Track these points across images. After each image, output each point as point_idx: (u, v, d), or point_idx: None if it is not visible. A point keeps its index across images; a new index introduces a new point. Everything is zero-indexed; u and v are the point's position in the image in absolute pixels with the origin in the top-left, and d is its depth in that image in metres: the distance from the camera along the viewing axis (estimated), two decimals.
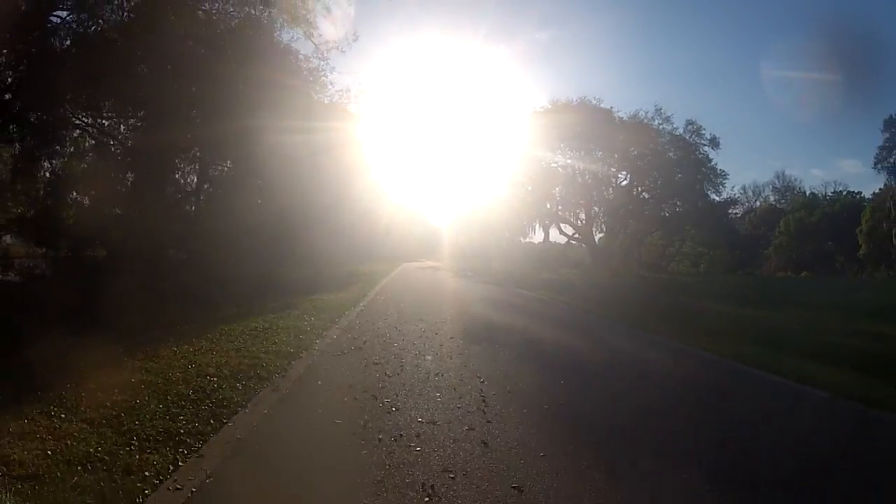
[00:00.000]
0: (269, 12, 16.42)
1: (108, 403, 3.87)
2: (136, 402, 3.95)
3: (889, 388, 4.97)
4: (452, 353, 6.47)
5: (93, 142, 16.48)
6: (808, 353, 6.81)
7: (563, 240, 42.71)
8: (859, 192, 51.02)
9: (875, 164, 38.67)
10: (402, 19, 75.26)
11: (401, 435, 3.50)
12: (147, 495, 2.60)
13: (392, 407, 4.16)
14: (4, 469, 2.78)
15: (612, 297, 16.19)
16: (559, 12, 66.77)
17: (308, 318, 9.04)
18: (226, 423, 3.69)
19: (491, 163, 39.14)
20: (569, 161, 36.04)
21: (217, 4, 15.72)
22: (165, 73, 13.91)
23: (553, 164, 36.92)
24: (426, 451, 3.24)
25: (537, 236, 45.97)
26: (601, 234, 39.15)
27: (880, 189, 41.51)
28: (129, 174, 16.36)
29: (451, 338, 7.67)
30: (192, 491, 2.66)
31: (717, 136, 36.28)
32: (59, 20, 14.37)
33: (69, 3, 14.33)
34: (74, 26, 14.14)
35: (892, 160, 37.10)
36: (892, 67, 75.89)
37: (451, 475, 2.88)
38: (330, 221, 21.19)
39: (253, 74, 15.34)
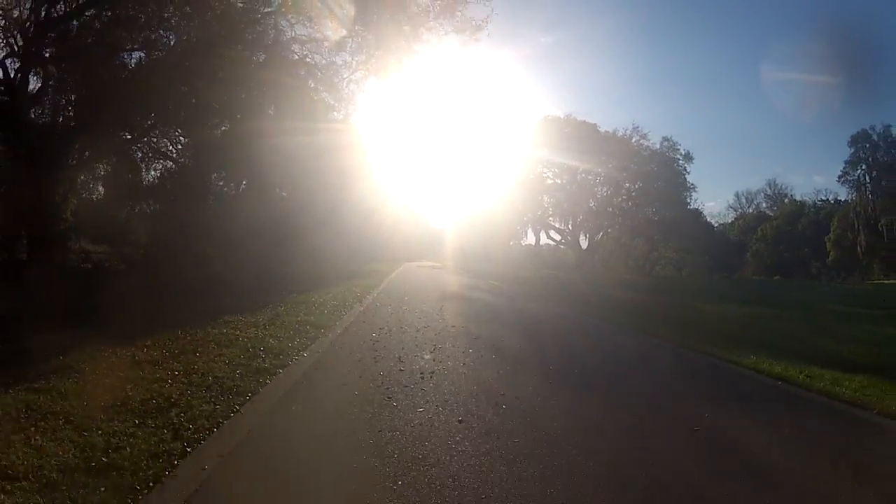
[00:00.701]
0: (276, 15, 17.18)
1: (243, 338, 7.33)
2: (262, 335, 7.36)
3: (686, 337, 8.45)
4: (434, 307, 10.03)
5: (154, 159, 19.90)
6: (679, 323, 10.32)
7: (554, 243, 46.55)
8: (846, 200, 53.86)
9: (839, 178, 42.00)
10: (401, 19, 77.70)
11: (414, 342, 7.01)
12: (275, 375, 5.41)
13: (405, 329, 7.69)
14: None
15: (560, 289, 19.84)
16: (563, 16, 67.74)
17: (346, 294, 12.67)
18: (322, 335, 7.21)
19: (491, 166, 42.58)
20: (556, 171, 39.65)
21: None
22: (198, 90, 15.62)
23: (543, 174, 40.63)
24: (426, 336, 6.74)
25: (532, 239, 49.82)
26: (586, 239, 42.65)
27: (847, 200, 44.79)
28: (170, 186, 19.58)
29: (439, 298, 11.29)
30: (318, 354, 6.13)
31: (691, 151, 39.96)
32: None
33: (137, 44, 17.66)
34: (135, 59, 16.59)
35: (857, 175, 40.40)
36: (893, 68, 76.19)
37: (434, 349, 6.39)
38: (335, 222, 23.21)
39: (266, 77, 16.81)
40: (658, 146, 39.07)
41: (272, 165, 18.51)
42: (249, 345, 6.10)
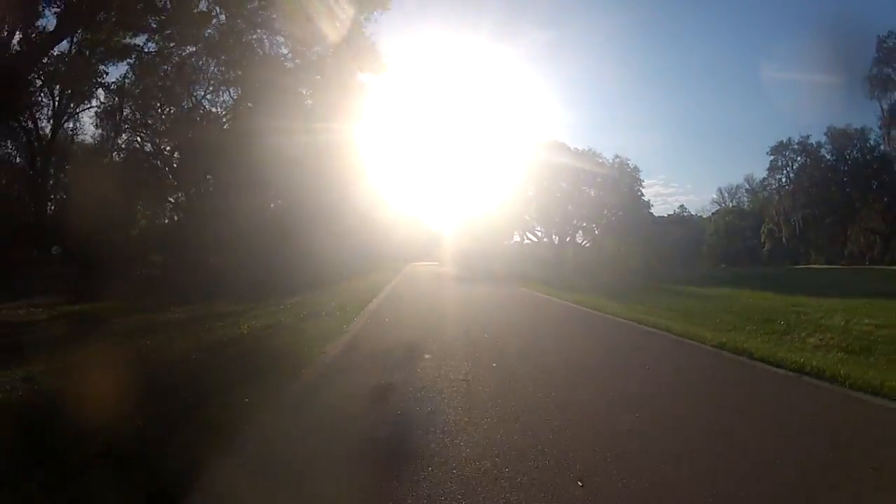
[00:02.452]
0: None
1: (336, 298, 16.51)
2: (350, 295, 16.54)
3: (607, 300, 17.53)
4: (432, 287, 19.17)
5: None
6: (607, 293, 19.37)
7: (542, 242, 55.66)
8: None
9: (763, 181, 50.56)
10: (399, 20, 75.45)
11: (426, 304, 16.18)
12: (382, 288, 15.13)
13: (420, 297, 16.86)
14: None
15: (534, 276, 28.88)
16: (561, 13, 69.91)
17: (376, 280, 21.75)
18: (376, 295, 16.40)
19: (487, 169, 51.05)
20: (534, 191, 49.11)
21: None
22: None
23: (525, 187, 49.96)
24: (430, 303, 15.90)
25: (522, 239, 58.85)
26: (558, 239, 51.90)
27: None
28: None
29: (436, 277, 20.38)
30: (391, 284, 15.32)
31: (640, 167, 49.30)
32: None
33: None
34: None
35: (778, 179, 49.06)
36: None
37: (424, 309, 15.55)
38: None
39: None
40: (611, 161, 48.38)
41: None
42: (352, 290, 15.36)
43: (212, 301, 12.83)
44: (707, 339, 7.05)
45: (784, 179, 46.93)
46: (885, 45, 37.06)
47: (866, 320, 8.51)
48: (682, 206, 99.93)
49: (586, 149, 49.61)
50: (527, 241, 55.60)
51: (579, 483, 2.77)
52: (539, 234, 52.08)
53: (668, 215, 73.44)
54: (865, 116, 57.78)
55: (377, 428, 3.72)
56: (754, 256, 61.61)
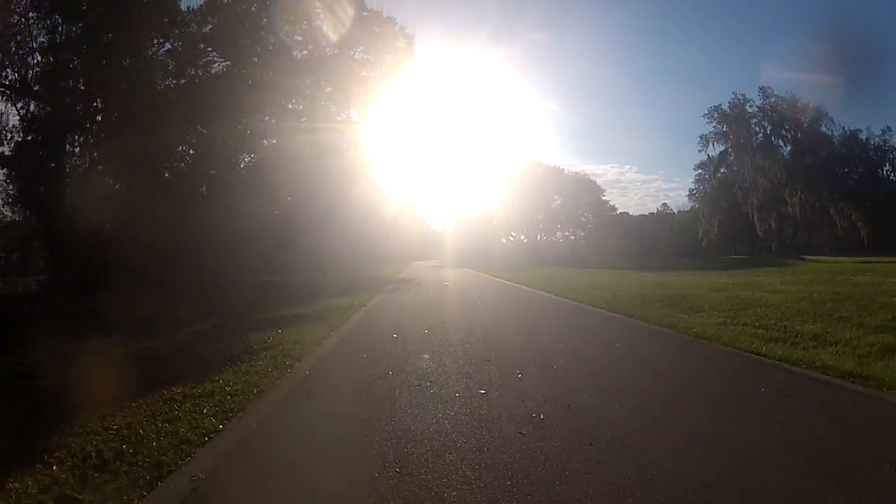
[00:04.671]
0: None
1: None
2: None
3: (503, 273, 28.87)
4: (434, 276, 30.48)
5: None
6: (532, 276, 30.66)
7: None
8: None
9: (689, 192, 61.39)
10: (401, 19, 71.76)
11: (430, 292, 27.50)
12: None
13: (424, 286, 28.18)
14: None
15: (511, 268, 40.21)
16: (558, 14, 74.31)
17: (392, 272, 33.03)
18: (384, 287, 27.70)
19: (484, 168, 61.33)
20: (513, 194, 60.52)
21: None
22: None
23: (508, 197, 61.47)
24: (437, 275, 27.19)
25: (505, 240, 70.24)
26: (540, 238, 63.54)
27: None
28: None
29: (436, 267, 31.69)
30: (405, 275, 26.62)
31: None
32: None
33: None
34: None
35: (701, 188, 59.72)
36: (894, 69, 75.59)
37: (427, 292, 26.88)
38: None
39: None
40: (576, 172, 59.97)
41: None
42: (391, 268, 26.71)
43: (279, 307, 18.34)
44: (531, 287, 18.23)
45: (704, 190, 57.83)
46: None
47: (643, 282, 19.69)
48: (664, 203, 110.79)
49: (553, 165, 61.23)
50: (510, 240, 67.10)
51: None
52: (514, 235, 63.74)
53: (650, 214, 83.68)
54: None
55: (412, 301, 14.91)
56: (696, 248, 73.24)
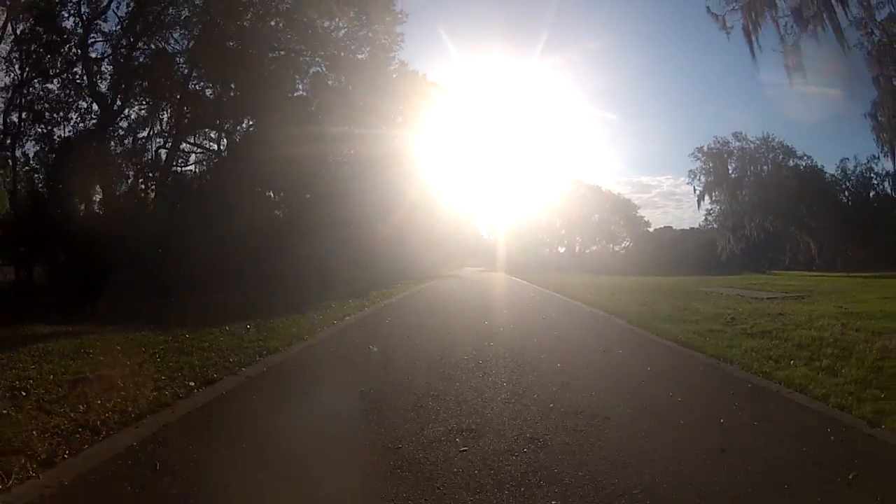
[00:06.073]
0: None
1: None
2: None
3: (532, 278, 39.19)
4: (472, 275, 41.56)
5: None
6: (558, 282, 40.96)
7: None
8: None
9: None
10: (450, 34, 69.98)
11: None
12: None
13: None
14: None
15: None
16: (609, 22, 68.36)
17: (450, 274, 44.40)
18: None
19: (536, 180, 66.55)
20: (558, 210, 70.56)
21: None
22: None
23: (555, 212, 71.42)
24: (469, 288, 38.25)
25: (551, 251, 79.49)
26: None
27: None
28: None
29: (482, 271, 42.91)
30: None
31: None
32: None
33: None
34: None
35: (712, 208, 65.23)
36: None
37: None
38: (409, 233, 29.00)
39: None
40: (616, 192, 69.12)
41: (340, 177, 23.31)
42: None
43: (387, 286, 23.48)
44: (546, 288, 28.67)
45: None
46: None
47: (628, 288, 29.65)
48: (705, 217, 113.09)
49: (593, 185, 70.47)
50: (554, 251, 76.38)
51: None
52: (560, 247, 73.80)
53: (691, 228, 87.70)
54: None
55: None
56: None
